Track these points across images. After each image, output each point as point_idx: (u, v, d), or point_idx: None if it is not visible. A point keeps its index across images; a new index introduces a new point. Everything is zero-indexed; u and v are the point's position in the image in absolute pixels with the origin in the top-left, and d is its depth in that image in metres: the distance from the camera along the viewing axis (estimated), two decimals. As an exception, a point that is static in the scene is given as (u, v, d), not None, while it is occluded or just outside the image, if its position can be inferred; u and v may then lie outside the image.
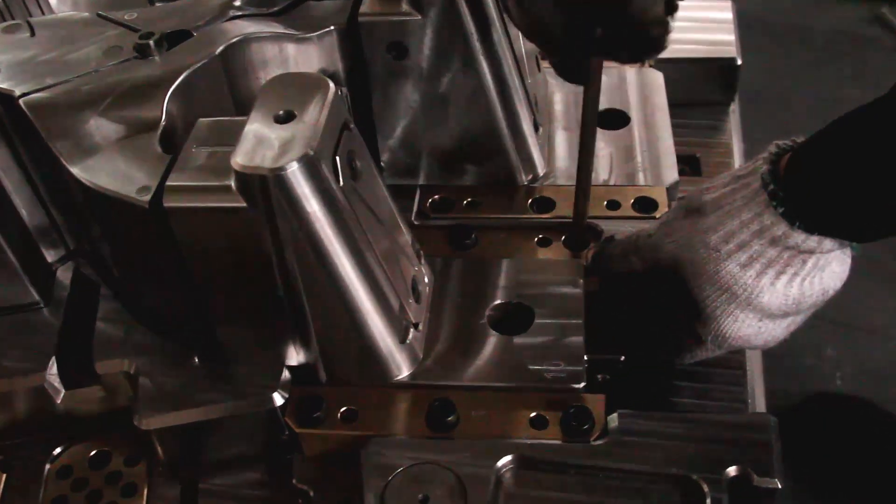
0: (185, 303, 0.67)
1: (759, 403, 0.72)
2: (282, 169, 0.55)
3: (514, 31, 0.78)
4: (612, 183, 0.84)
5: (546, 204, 0.82)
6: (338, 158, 0.59)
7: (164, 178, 0.60)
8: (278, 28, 0.75)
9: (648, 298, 0.69)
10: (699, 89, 0.99)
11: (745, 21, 1.05)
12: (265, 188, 0.56)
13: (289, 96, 0.60)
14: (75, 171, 0.63)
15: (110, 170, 0.63)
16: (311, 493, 0.66)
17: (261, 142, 0.57)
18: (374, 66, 0.78)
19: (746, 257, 0.61)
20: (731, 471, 0.60)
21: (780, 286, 0.61)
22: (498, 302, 0.72)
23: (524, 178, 0.84)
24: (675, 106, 0.91)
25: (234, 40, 0.72)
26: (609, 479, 0.61)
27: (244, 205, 0.58)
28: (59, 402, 0.71)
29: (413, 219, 0.82)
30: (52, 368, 0.70)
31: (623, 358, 0.70)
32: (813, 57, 2.02)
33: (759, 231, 0.61)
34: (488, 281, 0.74)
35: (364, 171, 0.64)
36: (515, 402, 0.66)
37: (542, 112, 0.91)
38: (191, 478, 0.70)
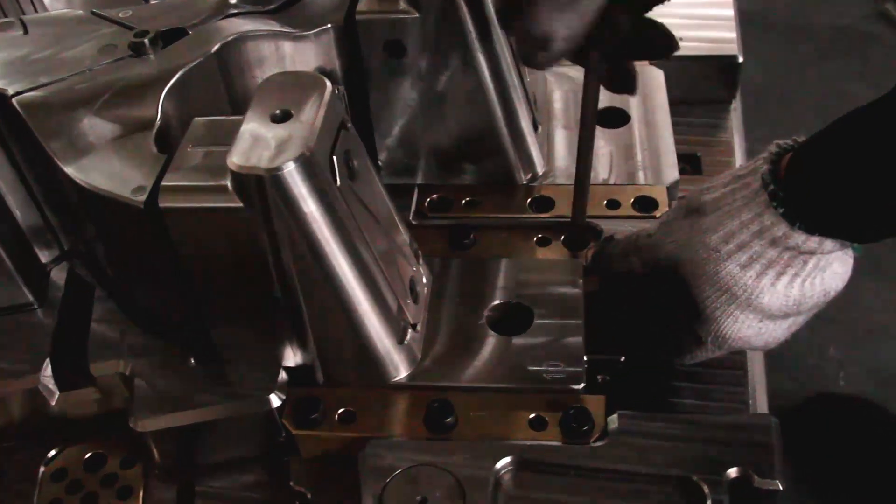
0: (180, 304, 0.66)
1: (761, 404, 0.72)
2: (278, 169, 0.55)
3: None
4: (611, 182, 0.83)
5: (545, 203, 0.82)
6: (335, 158, 0.59)
7: (160, 178, 0.59)
8: (275, 26, 0.75)
9: (648, 298, 0.68)
10: (700, 87, 0.98)
11: (747, 18, 1.04)
12: (261, 188, 0.56)
13: (285, 95, 0.60)
14: (69, 170, 0.63)
15: (105, 170, 0.62)
16: (309, 496, 0.66)
17: (257, 141, 0.57)
18: (372, 65, 0.77)
19: (746, 258, 0.61)
20: (732, 472, 0.60)
21: (780, 287, 0.61)
22: (497, 302, 0.72)
23: (523, 178, 0.84)
24: (675, 104, 0.91)
25: (230, 38, 0.72)
26: (609, 481, 0.61)
27: (240, 205, 0.57)
28: (53, 404, 0.70)
29: (411, 218, 0.82)
30: (47, 370, 0.70)
31: (623, 358, 0.69)
32: (815, 54, 2.01)
33: (759, 231, 0.60)
34: (487, 281, 0.74)
35: (361, 170, 0.63)
36: (514, 403, 0.66)
37: (542, 110, 0.90)
38: (187, 480, 0.70)
